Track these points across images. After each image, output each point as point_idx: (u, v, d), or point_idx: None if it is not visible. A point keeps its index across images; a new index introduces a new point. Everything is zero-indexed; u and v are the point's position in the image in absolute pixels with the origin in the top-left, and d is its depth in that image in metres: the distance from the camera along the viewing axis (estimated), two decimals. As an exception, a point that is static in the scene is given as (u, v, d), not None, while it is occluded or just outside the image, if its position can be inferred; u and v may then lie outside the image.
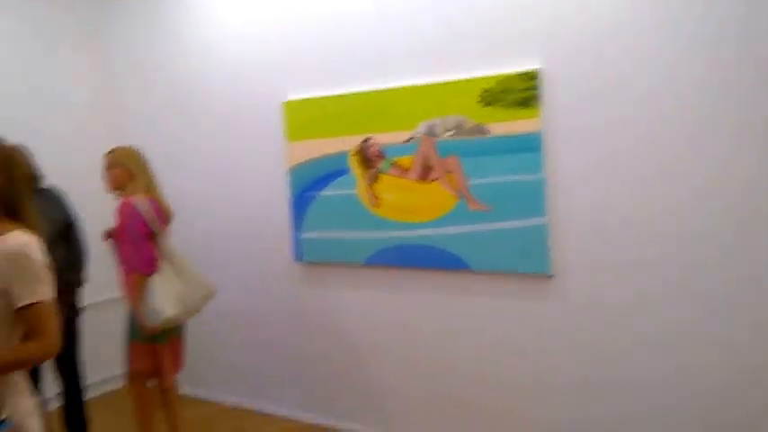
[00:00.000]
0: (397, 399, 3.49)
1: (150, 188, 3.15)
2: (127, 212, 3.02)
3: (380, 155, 3.34)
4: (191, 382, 4.17)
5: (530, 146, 2.91)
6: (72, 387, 3.41)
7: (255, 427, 3.81)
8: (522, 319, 3.06)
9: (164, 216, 3.18)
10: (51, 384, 3.44)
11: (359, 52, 3.38)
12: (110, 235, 3.26)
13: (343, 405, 3.69)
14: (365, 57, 3.36)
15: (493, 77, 2.97)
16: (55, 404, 3.53)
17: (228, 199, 4.01)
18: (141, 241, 3.01)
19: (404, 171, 3.28)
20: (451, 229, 3.16)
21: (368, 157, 3.38)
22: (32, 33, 4.12)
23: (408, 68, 3.23)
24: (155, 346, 3.15)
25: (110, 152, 3.20)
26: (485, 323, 3.16)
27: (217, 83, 3.96)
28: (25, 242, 1.69)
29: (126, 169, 3.12)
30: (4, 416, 1.66)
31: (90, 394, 3.77)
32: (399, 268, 3.37)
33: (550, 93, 2.86)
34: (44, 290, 1.70)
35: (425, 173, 3.21)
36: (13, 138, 3.16)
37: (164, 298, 3.02)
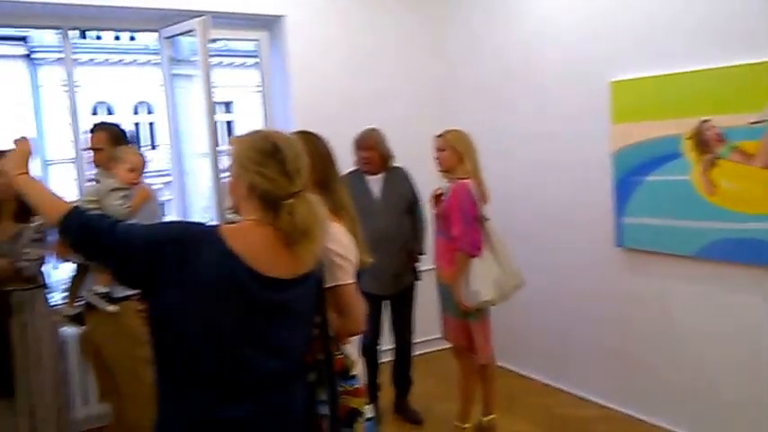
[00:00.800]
0: (715, 406, 3.18)
1: (476, 172, 3.25)
2: (463, 195, 3.15)
3: (720, 139, 3.00)
4: (504, 354, 4.31)
5: None
6: (403, 346, 3.81)
7: (562, 407, 3.83)
8: None
9: (484, 200, 3.28)
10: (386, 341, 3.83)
11: (695, 28, 3.08)
12: (436, 202, 3.40)
13: (652, 400, 3.50)
14: (703, 33, 3.04)
15: None
16: (386, 359, 3.89)
17: (548, 180, 4.02)
18: (472, 224, 3.15)
19: (747, 157, 2.91)
20: (808, 225, 2.72)
21: (705, 141, 3.07)
22: (388, 27, 4.59)
23: (756, 43, 2.83)
24: (467, 322, 3.30)
25: (440, 135, 3.34)
26: None
27: (545, 64, 3.95)
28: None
29: (455, 152, 3.24)
30: (353, 372, 1.92)
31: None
32: (736, 264, 3.02)
33: None
34: (342, 275, 1.88)
35: (776, 159, 2.81)
36: (364, 123, 3.64)
37: (482, 281, 3.14)
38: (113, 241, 1.51)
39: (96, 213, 1.83)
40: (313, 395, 1.73)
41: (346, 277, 1.90)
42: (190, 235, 1.50)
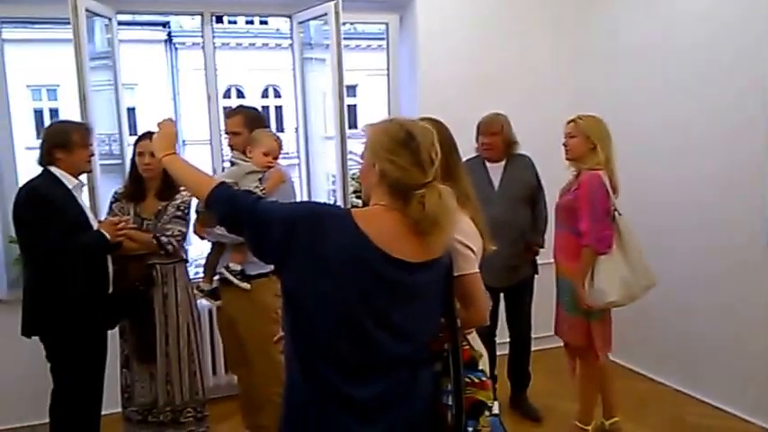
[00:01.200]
0: None
1: (609, 163, 3.03)
2: (595, 187, 2.95)
3: None
4: (634, 356, 4.13)
5: None
6: (520, 340, 3.71)
7: (695, 417, 3.58)
8: None
9: (615, 192, 3.06)
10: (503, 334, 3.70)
11: None
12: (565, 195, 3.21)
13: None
14: None
15: None
16: (501, 352, 3.75)
17: (689, 169, 3.73)
18: (603, 218, 2.96)
19: None
20: None
21: None
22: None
23: None
24: (588, 322, 3.10)
25: (572, 120, 3.12)
26: None
27: (696, 39, 3.65)
28: None
29: (587, 140, 3.03)
30: (480, 368, 1.86)
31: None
32: None
33: None
34: (466, 265, 1.83)
35: None
36: (490, 108, 3.54)
37: (609, 280, 2.95)
38: (254, 216, 1.59)
39: (241, 190, 1.90)
40: (438, 384, 1.72)
41: (470, 267, 1.87)
42: (322, 215, 1.54)
